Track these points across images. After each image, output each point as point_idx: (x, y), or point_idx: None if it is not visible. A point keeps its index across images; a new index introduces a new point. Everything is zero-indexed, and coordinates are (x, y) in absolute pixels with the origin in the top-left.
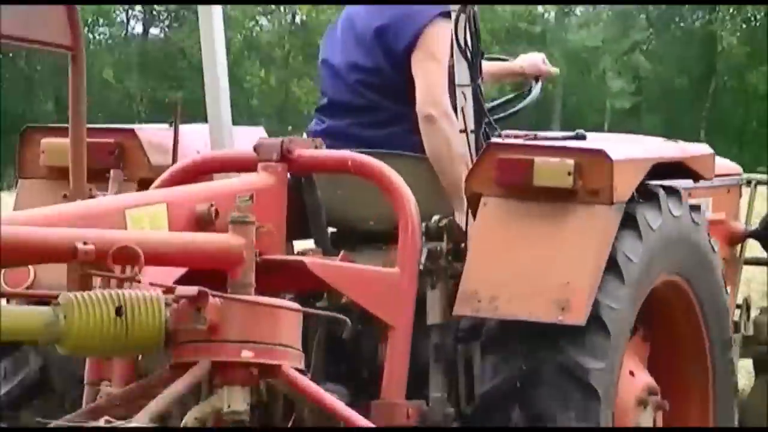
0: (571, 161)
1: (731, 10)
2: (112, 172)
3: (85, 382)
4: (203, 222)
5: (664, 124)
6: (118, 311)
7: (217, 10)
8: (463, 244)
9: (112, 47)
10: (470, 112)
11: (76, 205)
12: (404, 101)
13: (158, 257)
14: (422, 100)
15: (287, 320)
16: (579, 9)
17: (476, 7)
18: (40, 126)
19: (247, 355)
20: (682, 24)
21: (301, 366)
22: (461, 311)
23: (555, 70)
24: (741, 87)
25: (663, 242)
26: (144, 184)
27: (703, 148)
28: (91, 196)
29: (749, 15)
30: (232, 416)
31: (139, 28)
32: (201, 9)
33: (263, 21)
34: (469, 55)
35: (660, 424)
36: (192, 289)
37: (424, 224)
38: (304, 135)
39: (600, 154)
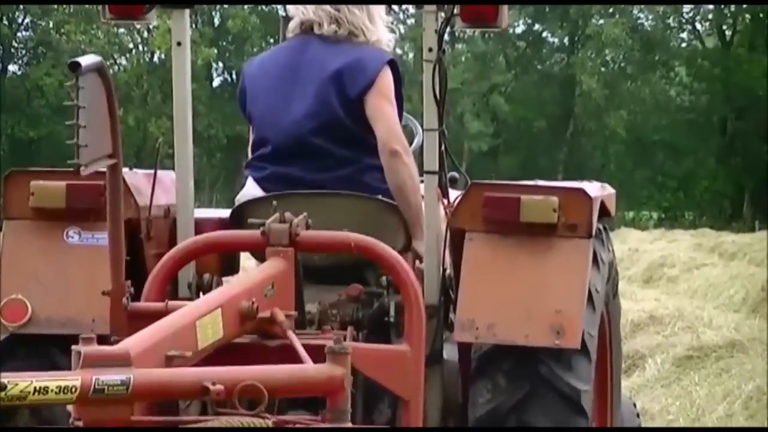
0: (555, 198)
1: (590, 54)
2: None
3: None
4: (247, 318)
5: (521, 166)
6: None
7: (187, 54)
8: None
9: None
10: (435, 154)
11: (163, 324)
12: (353, 145)
13: (277, 390)
14: (386, 137)
15: None
16: None
17: (445, 58)
18: (25, 169)
19: None
20: (540, 66)
21: None
22: (461, 338)
23: None
24: (599, 129)
25: (608, 274)
26: (129, 224)
27: (610, 188)
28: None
29: (608, 58)
30: None
31: None
32: (176, 54)
33: (122, 60)
34: (438, 101)
35: None
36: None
37: (384, 278)
38: (249, 179)
39: (579, 192)
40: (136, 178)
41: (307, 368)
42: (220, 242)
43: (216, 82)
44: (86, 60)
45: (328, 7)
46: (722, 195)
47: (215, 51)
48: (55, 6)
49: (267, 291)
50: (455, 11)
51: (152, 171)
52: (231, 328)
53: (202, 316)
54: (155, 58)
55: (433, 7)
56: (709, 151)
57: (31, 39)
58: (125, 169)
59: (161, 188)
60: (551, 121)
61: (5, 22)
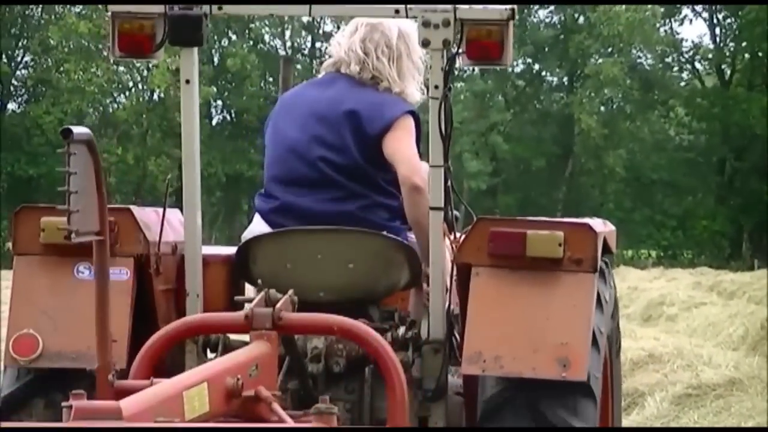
0: (560, 233)
1: (589, 93)
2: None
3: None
4: (232, 394)
5: (519, 205)
6: None
7: (196, 91)
8: (426, 322)
9: None
10: (441, 190)
11: (153, 391)
12: (362, 181)
13: None
14: (408, 173)
15: None
16: None
17: (451, 96)
18: (35, 205)
19: None
20: (539, 105)
21: None
22: (469, 371)
23: None
24: (598, 168)
25: (609, 311)
26: (139, 260)
27: (611, 225)
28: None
29: (607, 97)
30: None
31: None
32: (184, 92)
33: (121, 98)
34: (444, 137)
35: None
36: None
37: (389, 336)
38: (256, 215)
39: (585, 227)
40: (144, 214)
41: (295, 428)
42: (206, 325)
43: (215, 120)
44: (77, 129)
45: (358, 50)
46: (721, 234)
47: (214, 89)
48: (55, 44)
49: (251, 371)
50: (461, 49)
51: (158, 208)
52: (217, 404)
53: (190, 387)
54: (155, 96)
55: (439, 46)
56: (708, 190)
57: (31, 77)
58: (134, 207)
59: (168, 225)
60: (550, 160)
61: (5, 60)
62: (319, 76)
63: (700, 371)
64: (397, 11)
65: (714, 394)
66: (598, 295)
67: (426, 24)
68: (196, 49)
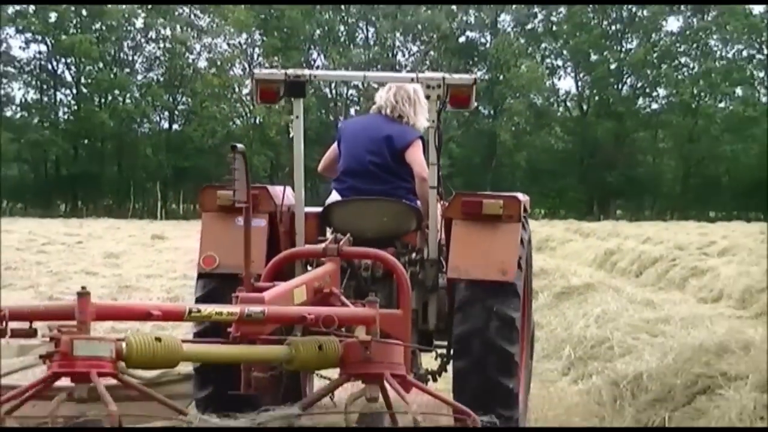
0: (501, 201)
1: (505, 119)
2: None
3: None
4: (317, 291)
5: (464, 185)
6: (320, 347)
7: (301, 123)
8: (427, 250)
9: (151, 136)
10: (435, 177)
11: (277, 289)
12: (392, 174)
13: (342, 320)
14: (420, 171)
15: (399, 350)
16: None
17: (441, 126)
18: (212, 185)
19: (382, 369)
20: (477, 126)
21: (403, 372)
22: (451, 275)
23: None
24: (510, 164)
25: (526, 245)
26: (272, 216)
27: (527, 197)
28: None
29: (516, 122)
30: (371, 400)
31: (166, 125)
32: (295, 123)
33: (237, 121)
34: (438, 144)
35: None
36: (366, 336)
37: (407, 257)
38: (333, 193)
39: (514, 198)
40: (273, 189)
41: (357, 309)
42: (299, 254)
43: (291, 135)
44: (239, 145)
45: (392, 100)
46: (581, 201)
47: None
48: (199, 91)
49: (326, 279)
50: (447, 100)
51: (279, 186)
52: (309, 297)
53: (296, 287)
54: (257, 121)
55: (435, 98)
56: (574, 176)
57: (186, 110)
58: (268, 185)
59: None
60: (483, 159)
61: (171, 99)
62: (368, 113)
63: (570, 279)
64: (412, 79)
65: (577, 292)
66: (522, 238)
67: (428, 86)
68: (302, 99)
